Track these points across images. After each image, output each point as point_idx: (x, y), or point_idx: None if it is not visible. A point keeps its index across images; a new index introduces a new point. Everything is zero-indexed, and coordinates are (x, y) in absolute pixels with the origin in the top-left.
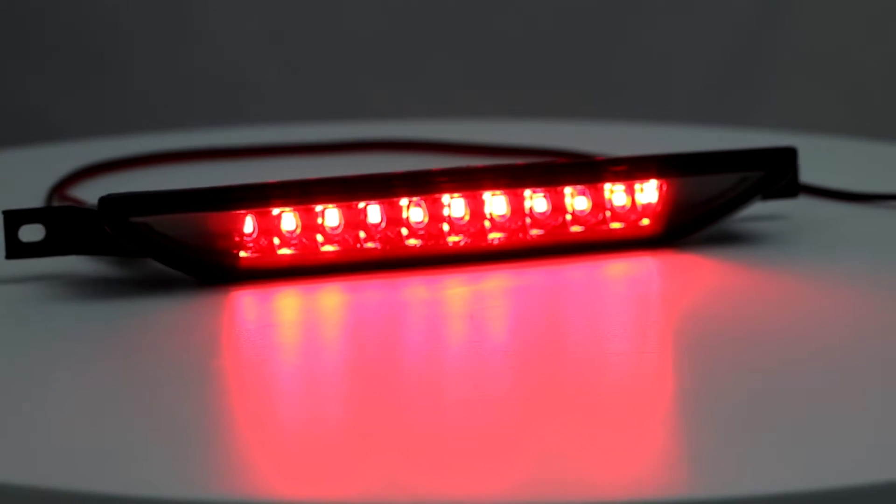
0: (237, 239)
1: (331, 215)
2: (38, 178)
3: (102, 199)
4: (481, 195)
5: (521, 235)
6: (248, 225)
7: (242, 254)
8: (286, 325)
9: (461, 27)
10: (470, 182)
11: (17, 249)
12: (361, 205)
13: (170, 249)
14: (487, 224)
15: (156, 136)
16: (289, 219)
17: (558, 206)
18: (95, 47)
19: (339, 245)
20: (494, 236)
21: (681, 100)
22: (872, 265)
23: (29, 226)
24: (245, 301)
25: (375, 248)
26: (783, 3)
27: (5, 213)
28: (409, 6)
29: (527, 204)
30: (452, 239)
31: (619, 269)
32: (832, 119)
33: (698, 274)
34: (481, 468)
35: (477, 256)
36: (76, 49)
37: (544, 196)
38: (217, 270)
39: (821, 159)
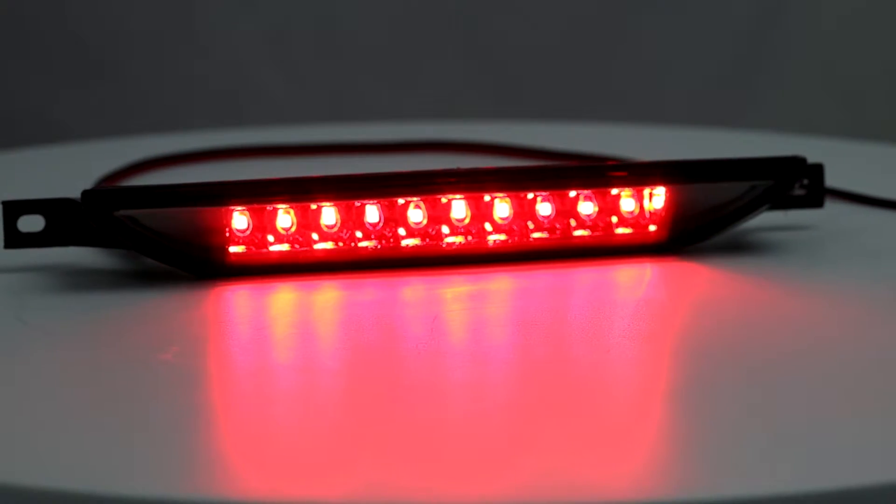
0: (226, 234)
1: (327, 213)
2: (98, 171)
3: (85, 193)
4: (482, 197)
5: (517, 238)
6: (238, 221)
7: (234, 249)
8: (267, 320)
9: (461, 28)
10: (473, 184)
11: (16, 239)
12: (358, 203)
13: (156, 243)
14: (489, 226)
15: (212, 133)
16: (283, 216)
17: (563, 211)
18: (98, 50)
19: (334, 244)
20: (493, 238)
21: (680, 102)
22: (885, 276)
23: (31, 217)
24: (230, 296)
25: (371, 248)
26: (782, 5)
27: (4, 203)
28: (409, 7)
29: (537, 207)
30: (452, 240)
31: (619, 274)
32: (830, 121)
33: (695, 282)
34: (478, 470)
35: (476, 258)
36: (79, 52)
37: (549, 200)
38: (205, 265)
39: (821, 160)
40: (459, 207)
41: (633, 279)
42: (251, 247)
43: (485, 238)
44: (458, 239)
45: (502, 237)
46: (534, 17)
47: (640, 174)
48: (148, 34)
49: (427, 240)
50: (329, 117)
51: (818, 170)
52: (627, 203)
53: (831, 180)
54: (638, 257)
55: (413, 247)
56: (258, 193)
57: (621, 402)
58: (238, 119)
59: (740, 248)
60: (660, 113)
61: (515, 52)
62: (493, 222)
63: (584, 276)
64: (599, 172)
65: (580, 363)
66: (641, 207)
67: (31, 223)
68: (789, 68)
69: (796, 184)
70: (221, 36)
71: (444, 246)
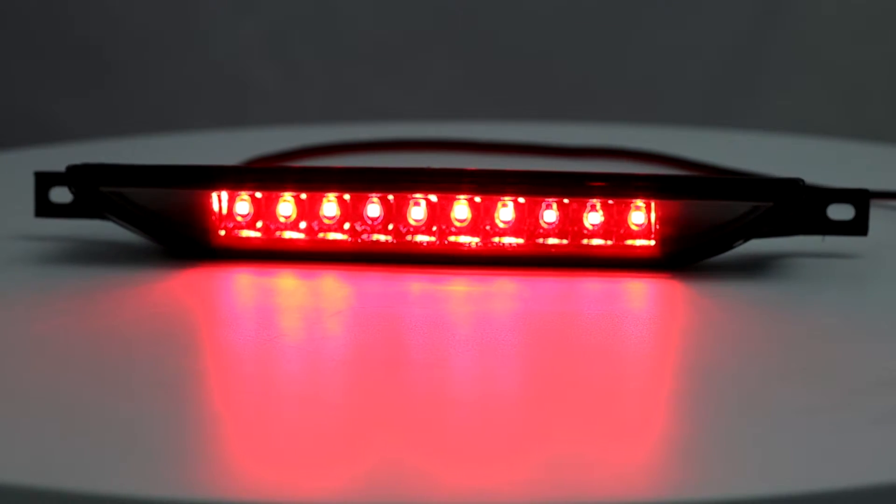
0: (212, 217)
1: (328, 205)
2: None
3: (70, 167)
4: (488, 200)
5: (505, 243)
6: (228, 204)
7: (223, 232)
8: (249, 304)
9: (462, 28)
10: (487, 186)
11: (46, 209)
12: (343, 195)
13: (139, 219)
14: (488, 228)
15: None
16: (283, 204)
17: (566, 218)
18: (97, 50)
19: (328, 234)
20: (469, 240)
21: (680, 101)
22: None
23: (62, 188)
24: (208, 278)
25: (368, 241)
26: (782, 5)
27: (36, 174)
28: (409, 6)
29: (545, 214)
30: (453, 239)
31: (603, 285)
32: (830, 121)
33: (681, 302)
34: (485, 463)
35: (473, 260)
36: (84, 53)
37: (551, 206)
38: (190, 245)
39: (821, 161)
40: (462, 208)
41: (617, 293)
42: (242, 231)
43: (488, 239)
44: (457, 238)
45: (501, 239)
46: (534, 16)
47: (621, 187)
48: (148, 34)
49: (427, 237)
50: (328, 117)
51: (862, 195)
52: (637, 216)
53: (832, 180)
54: (641, 272)
55: (412, 243)
56: (245, 180)
57: (627, 400)
58: (239, 119)
59: (758, 270)
60: (660, 113)
61: (516, 51)
62: (493, 224)
63: (584, 284)
64: (580, 181)
65: (581, 364)
66: (649, 221)
67: (61, 195)
68: (789, 68)
69: (795, 208)
70: (222, 36)
71: (422, 244)
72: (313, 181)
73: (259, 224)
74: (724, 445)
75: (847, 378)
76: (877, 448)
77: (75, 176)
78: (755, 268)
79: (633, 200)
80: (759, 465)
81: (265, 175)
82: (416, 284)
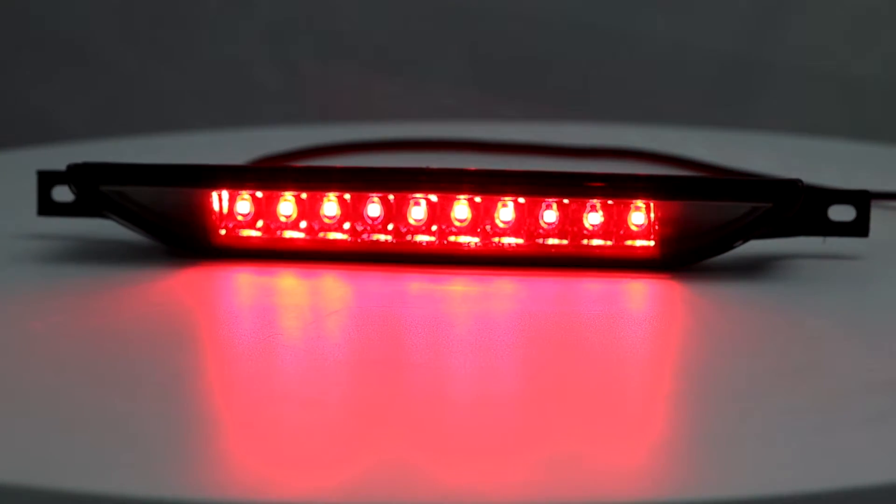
0: (212, 216)
1: (329, 205)
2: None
3: (71, 167)
4: (488, 200)
5: (499, 243)
6: (229, 203)
7: (224, 231)
8: (245, 303)
9: (462, 27)
10: (487, 186)
11: (49, 208)
12: (343, 195)
13: (139, 218)
14: (488, 228)
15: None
16: (284, 203)
17: (565, 219)
18: (102, 51)
19: (340, 235)
20: (469, 240)
21: (680, 102)
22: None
23: (64, 187)
24: (207, 277)
25: (355, 241)
26: (783, 5)
27: (39, 172)
28: (410, 6)
29: (545, 214)
30: (453, 239)
31: (603, 285)
32: (830, 121)
33: (678, 301)
34: (484, 463)
35: (471, 260)
36: (84, 53)
37: (551, 206)
38: (190, 244)
39: (821, 161)
40: (462, 208)
41: (613, 293)
42: (243, 230)
43: (488, 239)
44: (462, 239)
45: (501, 239)
46: (534, 16)
47: (621, 187)
48: (148, 34)
49: (427, 237)
50: (328, 117)
51: (863, 196)
52: (637, 216)
53: (832, 180)
54: (641, 273)
55: (412, 242)
56: (246, 179)
57: (626, 401)
58: (239, 119)
59: (758, 271)
60: (660, 113)
61: (516, 51)
62: (493, 225)
63: (583, 285)
64: (579, 182)
65: (580, 364)
66: (648, 222)
67: (64, 194)
68: (789, 68)
69: (794, 208)
70: (222, 36)
71: (421, 244)
72: (314, 181)
73: (260, 223)
74: (722, 445)
75: (846, 378)
76: (875, 448)
77: (76, 175)
78: (755, 269)
79: (633, 201)
80: (758, 465)
81: (266, 174)
82: (415, 284)
